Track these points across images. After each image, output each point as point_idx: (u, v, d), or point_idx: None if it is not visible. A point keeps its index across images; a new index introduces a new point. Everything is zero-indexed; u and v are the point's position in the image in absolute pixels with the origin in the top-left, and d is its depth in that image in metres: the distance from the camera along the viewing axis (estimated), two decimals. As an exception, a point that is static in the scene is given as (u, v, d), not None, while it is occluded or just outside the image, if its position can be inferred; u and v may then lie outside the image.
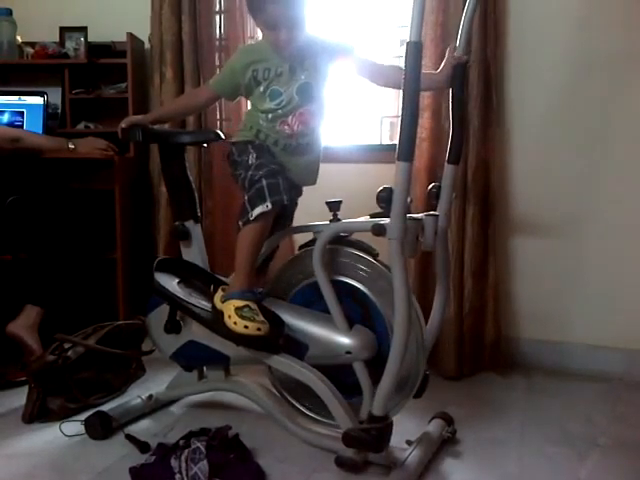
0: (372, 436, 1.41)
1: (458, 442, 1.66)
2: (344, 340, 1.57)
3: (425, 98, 2.12)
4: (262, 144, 1.64)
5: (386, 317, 1.56)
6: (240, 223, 1.60)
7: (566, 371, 2.18)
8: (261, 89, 1.62)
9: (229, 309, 1.56)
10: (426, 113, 2.13)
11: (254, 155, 1.62)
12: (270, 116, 1.63)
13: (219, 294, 1.65)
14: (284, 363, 1.59)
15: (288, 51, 1.59)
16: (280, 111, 1.62)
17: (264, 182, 1.55)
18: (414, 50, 1.28)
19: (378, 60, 1.71)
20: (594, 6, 2.10)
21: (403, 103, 1.30)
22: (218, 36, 2.44)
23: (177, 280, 1.73)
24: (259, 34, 2.38)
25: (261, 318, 1.54)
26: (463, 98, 1.66)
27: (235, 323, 1.53)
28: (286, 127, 1.63)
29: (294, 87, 1.61)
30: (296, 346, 1.61)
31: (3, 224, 2.12)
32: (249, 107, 1.76)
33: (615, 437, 1.70)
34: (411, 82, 1.29)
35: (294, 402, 1.73)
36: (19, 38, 2.56)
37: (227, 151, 1.72)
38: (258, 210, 1.55)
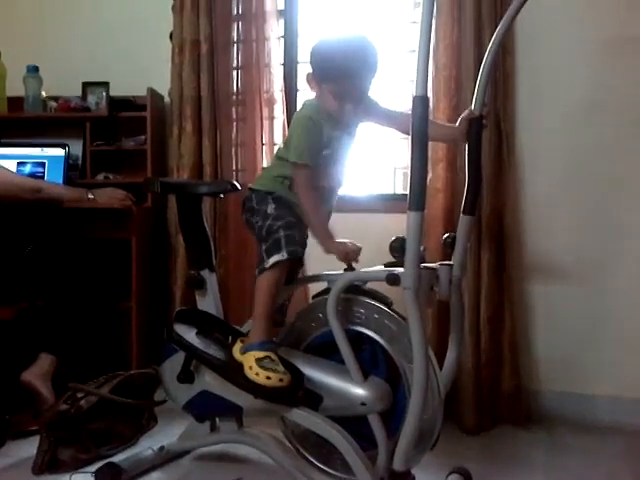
0: (395, 493, 1.37)
1: (476, 499, 1.61)
2: (359, 391, 1.55)
3: (439, 150, 2.16)
4: (282, 197, 1.68)
5: (401, 367, 1.54)
6: (256, 272, 1.62)
7: (588, 424, 2.12)
8: (325, 153, 1.64)
9: (249, 360, 1.55)
10: (440, 164, 2.16)
11: (273, 206, 1.66)
12: (317, 171, 1.65)
13: (238, 345, 1.64)
14: (302, 416, 1.57)
15: (346, 120, 1.63)
16: (324, 170, 1.66)
17: (282, 233, 1.59)
18: (421, 104, 1.31)
19: (389, 106, 1.76)
20: (604, 55, 2.14)
21: (412, 155, 1.33)
22: (235, 91, 2.51)
23: (195, 331, 1.73)
24: (274, 89, 2.48)
25: (282, 369, 1.54)
26: (479, 152, 1.69)
27: (257, 374, 1.52)
28: (325, 181, 1.68)
29: (341, 151, 1.68)
30: (310, 397, 1.59)
31: (22, 272, 2.15)
32: (276, 157, 1.76)
33: (640, 496, 1.64)
34: (419, 135, 1.32)
35: (308, 455, 1.70)
36: (44, 93, 2.66)
37: (244, 196, 1.76)
38: (274, 259, 1.57)
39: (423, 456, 1.52)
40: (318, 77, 1.61)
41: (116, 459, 1.73)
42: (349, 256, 1.58)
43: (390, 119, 1.75)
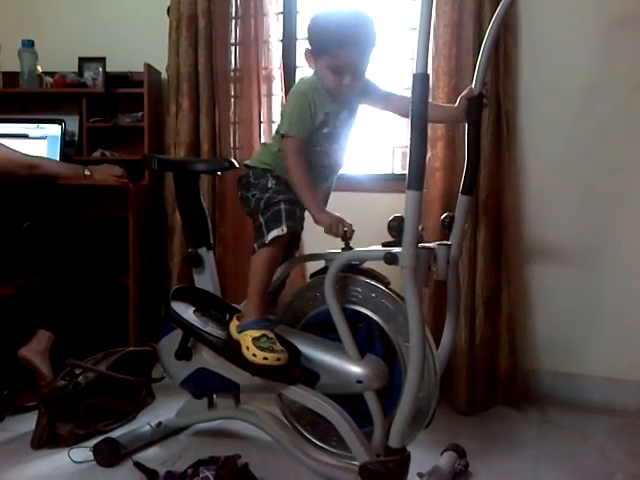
0: (390, 469, 1.39)
1: (471, 475, 1.62)
2: (355, 369, 1.56)
3: (438, 129, 2.14)
4: (280, 176, 1.66)
5: (398, 346, 1.55)
6: (255, 245, 1.62)
7: (582, 404, 2.14)
8: (325, 131, 1.63)
9: (246, 340, 1.55)
10: (439, 143, 2.15)
11: (273, 181, 1.66)
12: (316, 149, 1.65)
13: (234, 323, 1.64)
14: (299, 393, 1.59)
15: (344, 96, 1.62)
16: (324, 148, 1.66)
17: (282, 206, 1.58)
18: (421, 82, 1.30)
19: (388, 88, 1.75)
20: (607, 35, 2.12)
21: (411, 133, 1.32)
22: (233, 67, 2.49)
23: (193, 309, 1.73)
24: (273, 65, 2.45)
25: (279, 347, 1.54)
26: (478, 131, 1.68)
27: (254, 355, 1.52)
28: (325, 159, 1.68)
29: (343, 129, 1.67)
30: (307, 375, 1.60)
31: (18, 249, 2.15)
32: (275, 133, 1.74)
33: (632, 473, 1.66)
34: (419, 113, 1.31)
35: (304, 431, 1.71)
36: (39, 68, 2.62)
37: (241, 173, 1.75)
38: (274, 233, 1.56)
39: (419, 433, 1.54)
40: (315, 51, 1.60)
41: (114, 434, 1.74)
42: (335, 228, 1.55)
43: (390, 102, 1.73)
